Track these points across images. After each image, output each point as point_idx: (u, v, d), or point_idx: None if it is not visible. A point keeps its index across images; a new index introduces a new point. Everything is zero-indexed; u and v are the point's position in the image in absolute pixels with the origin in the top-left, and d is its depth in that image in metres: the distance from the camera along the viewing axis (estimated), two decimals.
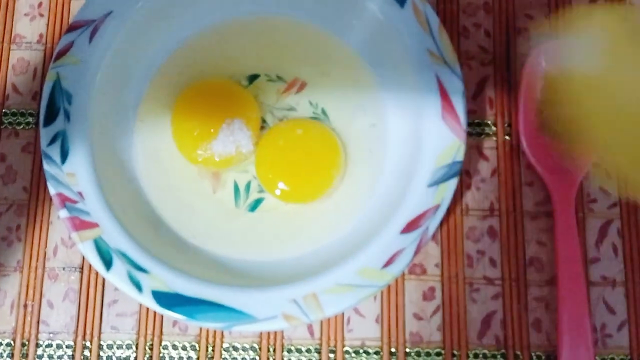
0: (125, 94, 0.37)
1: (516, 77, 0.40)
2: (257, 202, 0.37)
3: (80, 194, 0.33)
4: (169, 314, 0.32)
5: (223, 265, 0.35)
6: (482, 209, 0.39)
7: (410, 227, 0.33)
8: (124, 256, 0.32)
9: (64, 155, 0.33)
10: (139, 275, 0.32)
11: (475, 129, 0.40)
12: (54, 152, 0.33)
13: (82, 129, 0.34)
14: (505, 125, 0.40)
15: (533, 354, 0.37)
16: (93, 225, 0.33)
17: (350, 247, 0.34)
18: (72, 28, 0.35)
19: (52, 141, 0.33)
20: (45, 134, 0.34)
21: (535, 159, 0.37)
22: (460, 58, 0.41)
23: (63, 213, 0.33)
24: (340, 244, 0.35)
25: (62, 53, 0.34)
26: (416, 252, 0.33)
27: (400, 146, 0.36)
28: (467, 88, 0.40)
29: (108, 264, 0.32)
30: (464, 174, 0.39)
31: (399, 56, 0.36)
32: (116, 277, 0.32)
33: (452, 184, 0.33)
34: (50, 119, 0.34)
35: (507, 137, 0.40)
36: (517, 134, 0.39)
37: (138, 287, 0.32)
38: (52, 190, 0.33)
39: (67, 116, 0.34)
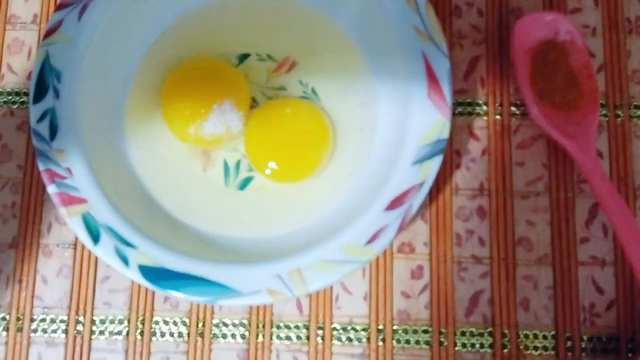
0: (115, 72, 0.37)
1: (508, 56, 0.40)
2: (246, 181, 0.37)
3: (69, 169, 0.33)
4: (155, 288, 0.32)
5: (211, 242, 0.35)
6: (472, 189, 0.39)
7: (394, 204, 0.33)
8: (112, 231, 0.33)
9: (53, 132, 0.34)
10: (126, 250, 0.33)
11: (467, 109, 0.40)
12: (43, 128, 0.34)
13: (71, 106, 0.34)
14: (497, 105, 0.40)
15: (520, 332, 0.37)
16: (81, 200, 0.33)
17: (336, 225, 0.34)
18: (61, 6, 0.35)
19: (41, 118, 0.34)
20: (34, 111, 0.34)
21: (550, 127, 0.37)
22: (452, 37, 0.40)
23: (52, 189, 0.33)
24: (326, 222, 0.35)
25: (51, 31, 0.35)
26: (400, 229, 0.33)
27: (388, 125, 0.36)
28: (458, 67, 0.40)
29: (95, 238, 0.33)
30: (454, 153, 0.39)
31: (386, 35, 0.36)
32: (103, 251, 0.33)
33: (437, 161, 0.33)
34: (39, 96, 0.34)
35: (497, 117, 0.40)
36: (524, 107, 0.39)
37: (125, 261, 0.32)
38: (41, 166, 0.34)
39: (57, 94, 0.34)
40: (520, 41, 0.38)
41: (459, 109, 0.40)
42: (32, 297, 0.38)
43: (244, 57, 0.39)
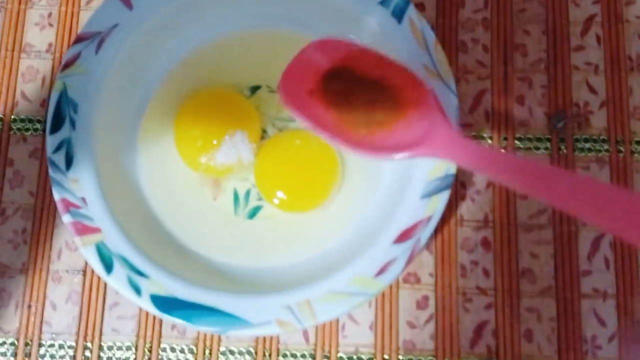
0: (129, 103, 0.38)
1: (513, 92, 0.41)
2: (255, 210, 0.38)
3: (83, 199, 0.34)
4: (167, 318, 0.33)
5: (221, 271, 0.36)
6: (477, 220, 0.39)
7: (402, 237, 0.34)
8: (125, 261, 0.33)
9: (69, 162, 0.34)
10: (139, 280, 0.33)
11: None
12: (59, 158, 0.34)
13: (86, 136, 0.35)
14: (502, 138, 0.41)
15: None
16: (95, 230, 0.34)
17: (345, 256, 0.35)
18: (79, 39, 0.36)
19: (58, 148, 0.35)
20: (51, 141, 0.35)
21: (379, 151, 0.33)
22: (458, 72, 0.41)
23: (67, 218, 0.34)
24: (335, 253, 0.36)
25: (69, 63, 0.36)
26: (408, 262, 0.33)
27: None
28: (464, 101, 0.41)
29: (109, 268, 0.33)
30: (459, 185, 0.40)
31: None
32: (116, 281, 0.33)
33: (445, 196, 0.34)
34: (56, 126, 0.35)
35: (502, 150, 0.40)
36: None
37: (137, 291, 0.33)
38: (56, 195, 0.34)
39: (73, 124, 0.35)
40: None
41: None
42: (41, 322, 0.39)
43: (255, 88, 0.40)
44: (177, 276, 0.33)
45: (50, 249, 0.39)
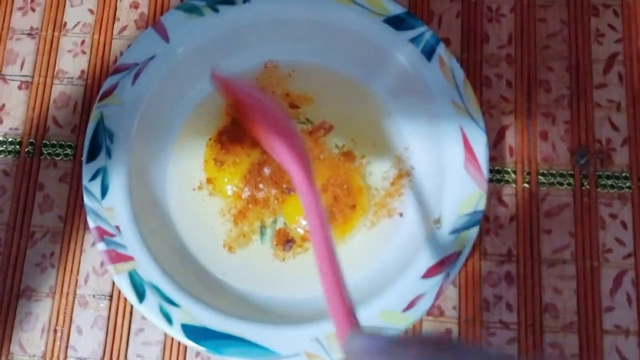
0: (162, 132, 0.39)
1: (536, 127, 0.42)
2: (283, 241, 0.39)
3: (117, 227, 0.35)
4: (197, 347, 0.33)
5: (249, 301, 0.36)
6: (500, 254, 0.40)
7: (431, 272, 0.34)
8: (156, 289, 0.34)
9: (104, 191, 0.35)
10: (170, 309, 0.34)
11: (495, 176, 0.41)
12: (95, 187, 0.35)
13: (122, 166, 0.36)
14: (525, 173, 0.41)
15: None
16: (129, 258, 0.34)
17: (372, 289, 0.35)
18: (117, 70, 0.37)
19: (94, 177, 0.35)
20: (87, 170, 0.35)
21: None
22: (482, 107, 0.42)
23: (101, 246, 0.34)
24: (362, 285, 0.36)
25: (106, 94, 0.36)
26: (437, 298, 0.34)
27: (423, 192, 0.38)
28: (488, 136, 0.42)
29: (141, 296, 0.34)
30: (483, 219, 0.40)
31: (424, 106, 0.37)
32: (148, 310, 0.34)
33: (474, 232, 0.34)
34: (93, 155, 0.36)
35: (526, 185, 0.41)
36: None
37: (168, 319, 0.33)
38: (91, 223, 0.35)
39: (109, 153, 0.36)
40: None
41: (489, 176, 0.41)
42: (67, 347, 0.39)
43: None
44: (208, 306, 0.34)
45: (78, 274, 0.40)
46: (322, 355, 0.33)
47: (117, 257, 0.34)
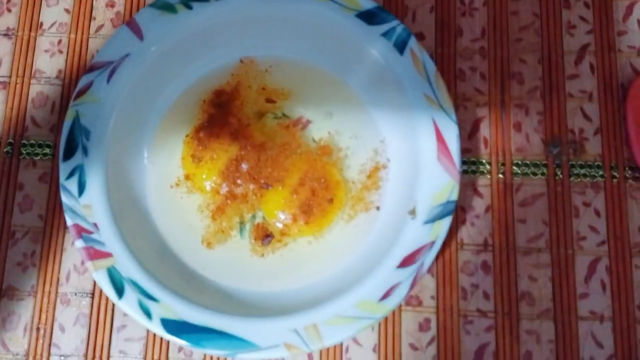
0: (139, 129, 0.39)
1: (510, 118, 0.42)
2: (263, 236, 0.39)
3: (95, 225, 0.35)
4: (177, 341, 0.34)
5: (229, 295, 0.37)
6: (477, 244, 0.41)
7: (406, 262, 0.35)
8: (135, 285, 0.34)
9: (81, 188, 0.35)
10: (149, 304, 0.34)
11: (471, 167, 0.42)
12: (72, 185, 0.35)
13: (98, 163, 0.36)
14: (499, 164, 0.42)
15: None
16: (107, 255, 0.35)
17: (350, 280, 0.36)
18: (91, 69, 0.37)
19: (70, 175, 0.36)
20: (63, 168, 0.36)
21: None
22: (457, 99, 0.43)
23: (79, 243, 0.35)
24: (340, 277, 0.37)
25: (81, 92, 0.37)
26: (412, 286, 0.34)
27: (398, 184, 0.38)
28: (462, 128, 0.42)
29: (120, 292, 0.34)
30: (459, 209, 0.41)
31: (398, 99, 0.38)
32: (127, 305, 0.34)
33: (447, 221, 0.35)
34: (69, 153, 0.36)
35: (500, 176, 0.42)
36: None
37: (148, 314, 0.34)
38: (69, 221, 0.35)
39: (85, 151, 0.36)
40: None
41: (464, 167, 0.42)
42: (50, 345, 0.39)
43: (260, 114, 0.41)
44: (187, 300, 0.34)
45: (59, 272, 0.40)
46: (300, 345, 0.33)
47: (96, 253, 0.34)
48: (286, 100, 0.41)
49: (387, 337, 0.39)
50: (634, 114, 0.41)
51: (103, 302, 0.40)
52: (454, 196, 0.35)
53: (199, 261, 0.38)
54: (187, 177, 0.39)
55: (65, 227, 0.40)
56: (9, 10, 0.45)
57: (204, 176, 0.39)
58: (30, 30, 0.44)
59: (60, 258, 0.40)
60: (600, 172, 0.42)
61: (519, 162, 0.42)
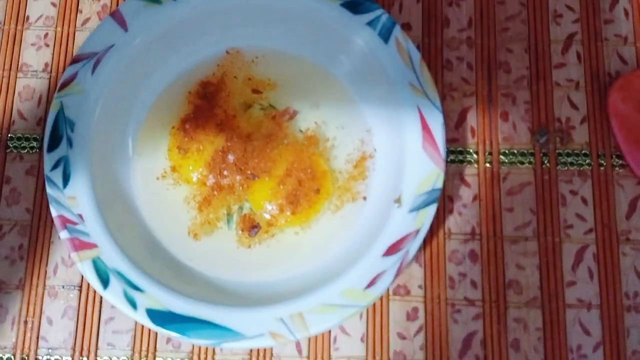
0: (125, 121, 0.39)
1: (497, 108, 0.42)
2: (250, 227, 0.39)
3: (80, 216, 0.35)
4: (162, 331, 0.34)
5: (215, 285, 0.37)
6: (464, 233, 0.41)
7: (391, 250, 0.35)
8: (121, 275, 0.34)
9: (66, 180, 0.35)
10: (134, 294, 0.34)
11: (458, 157, 0.42)
12: (57, 176, 0.35)
13: (83, 154, 0.36)
14: (487, 153, 0.42)
15: None
16: (92, 245, 0.35)
17: (336, 269, 0.36)
18: (76, 60, 0.37)
19: (55, 166, 0.35)
20: (48, 160, 0.36)
21: None
22: (444, 89, 0.43)
23: (64, 234, 0.35)
24: (326, 266, 0.37)
25: (66, 83, 0.37)
26: (397, 274, 0.34)
27: (384, 173, 0.38)
28: (449, 117, 0.42)
29: (105, 282, 0.34)
30: (447, 199, 0.41)
31: (383, 89, 0.38)
32: (112, 296, 0.34)
33: (432, 209, 0.35)
34: (53, 145, 0.36)
35: (487, 165, 0.42)
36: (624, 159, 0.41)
37: (133, 305, 0.34)
38: (54, 212, 0.35)
39: (70, 143, 0.36)
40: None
41: (451, 157, 0.42)
42: (38, 337, 0.39)
43: (247, 105, 0.41)
44: (172, 290, 0.34)
45: (47, 265, 0.40)
46: (286, 334, 0.33)
47: (81, 244, 0.34)
48: (272, 90, 0.41)
49: (375, 327, 0.39)
50: (614, 106, 0.41)
51: (91, 294, 0.40)
52: (439, 184, 0.35)
53: (186, 252, 0.38)
54: (173, 169, 0.39)
55: (53, 220, 0.40)
56: None
57: (191, 167, 0.39)
58: (16, 24, 0.44)
59: (48, 251, 0.40)
60: (587, 161, 0.42)
61: (506, 151, 0.42)
